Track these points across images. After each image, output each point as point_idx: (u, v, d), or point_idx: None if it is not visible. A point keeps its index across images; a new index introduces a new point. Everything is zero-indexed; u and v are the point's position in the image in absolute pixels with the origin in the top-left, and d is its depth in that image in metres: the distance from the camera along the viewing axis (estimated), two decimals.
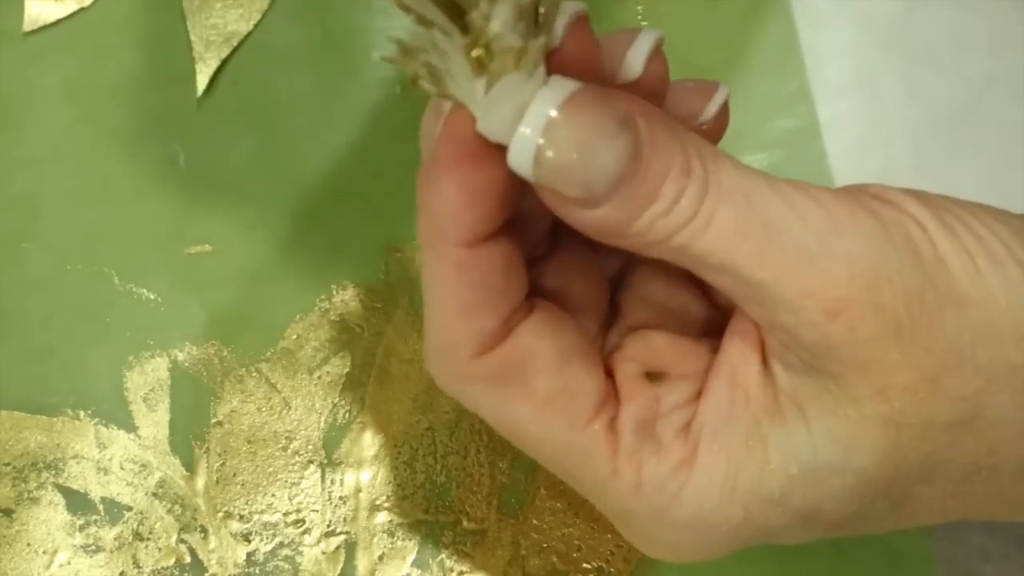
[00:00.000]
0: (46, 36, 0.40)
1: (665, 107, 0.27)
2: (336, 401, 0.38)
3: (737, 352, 0.26)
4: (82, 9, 0.40)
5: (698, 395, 0.27)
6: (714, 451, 0.26)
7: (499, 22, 0.23)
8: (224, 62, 0.40)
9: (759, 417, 0.26)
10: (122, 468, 0.37)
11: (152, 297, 0.39)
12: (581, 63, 0.25)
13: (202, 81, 0.40)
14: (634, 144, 0.23)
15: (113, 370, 0.38)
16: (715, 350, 0.27)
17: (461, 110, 0.24)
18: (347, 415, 0.38)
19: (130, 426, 0.38)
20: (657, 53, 0.27)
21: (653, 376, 0.27)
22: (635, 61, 0.26)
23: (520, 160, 0.23)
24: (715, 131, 0.28)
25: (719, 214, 0.23)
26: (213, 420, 0.38)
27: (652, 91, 0.27)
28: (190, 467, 0.37)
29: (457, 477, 0.37)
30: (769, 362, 0.26)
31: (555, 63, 0.24)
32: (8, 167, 0.39)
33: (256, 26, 0.41)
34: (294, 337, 0.39)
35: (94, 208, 0.39)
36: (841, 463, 0.25)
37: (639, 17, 0.41)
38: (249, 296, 0.39)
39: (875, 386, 0.24)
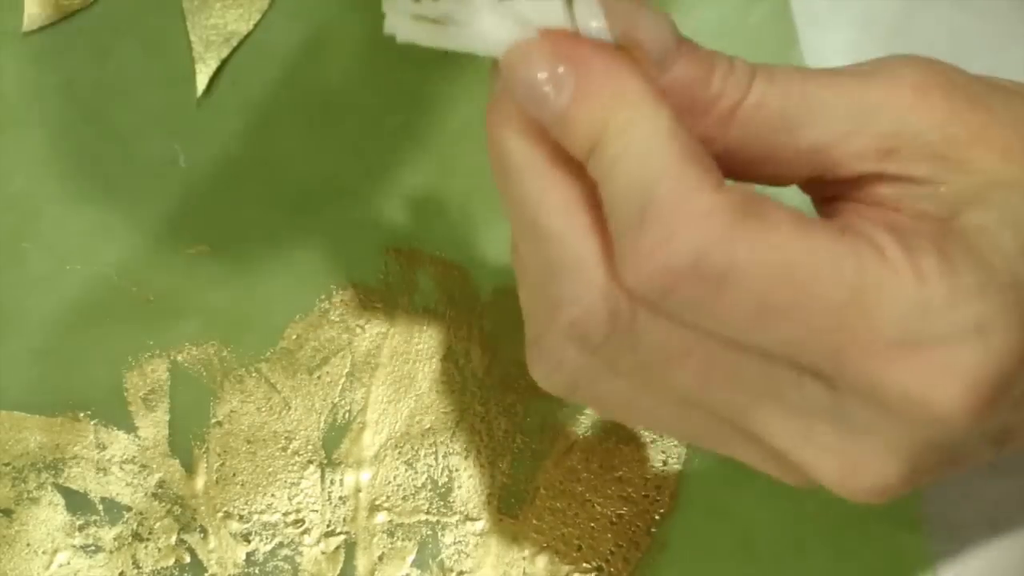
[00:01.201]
0: (46, 36, 0.40)
1: None
2: (336, 401, 0.38)
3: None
4: (82, 9, 0.40)
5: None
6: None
7: None
8: (224, 62, 0.40)
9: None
10: (122, 468, 0.37)
11: (151, 297, 0.39)
12: None
13: (202, 81, 0.40)
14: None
15: (112, 370, 0.38)
16: None
17: None
18: (347, 415, 0.38)
19: (130, 426, 0.37)
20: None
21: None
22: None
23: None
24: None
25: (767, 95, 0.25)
26: (213, 420, 0.38)
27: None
28: (190, 467, 0.37)
29: (457, 477, 0.37)
30: None
31: None
32: (8, 167, 0.39)
33: (256, 26, 0.41)
34: (294, 337, 0.38)
35: (94, 208, 0.39)
36: None
37: None
38: (248, 296, 0.39)
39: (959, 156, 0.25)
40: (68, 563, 0.37)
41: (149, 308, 0.39)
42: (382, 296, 0.39)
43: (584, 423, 0.37)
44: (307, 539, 0.37)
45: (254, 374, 0.38)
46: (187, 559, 0.37)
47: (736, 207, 0.23)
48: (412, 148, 0.40)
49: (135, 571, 0.37)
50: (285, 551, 0.37)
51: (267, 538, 0.37)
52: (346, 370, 0.38)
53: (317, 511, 0.37)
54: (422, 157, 0.40)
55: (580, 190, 0.25)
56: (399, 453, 0.37)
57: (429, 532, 0.37)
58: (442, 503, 0.37)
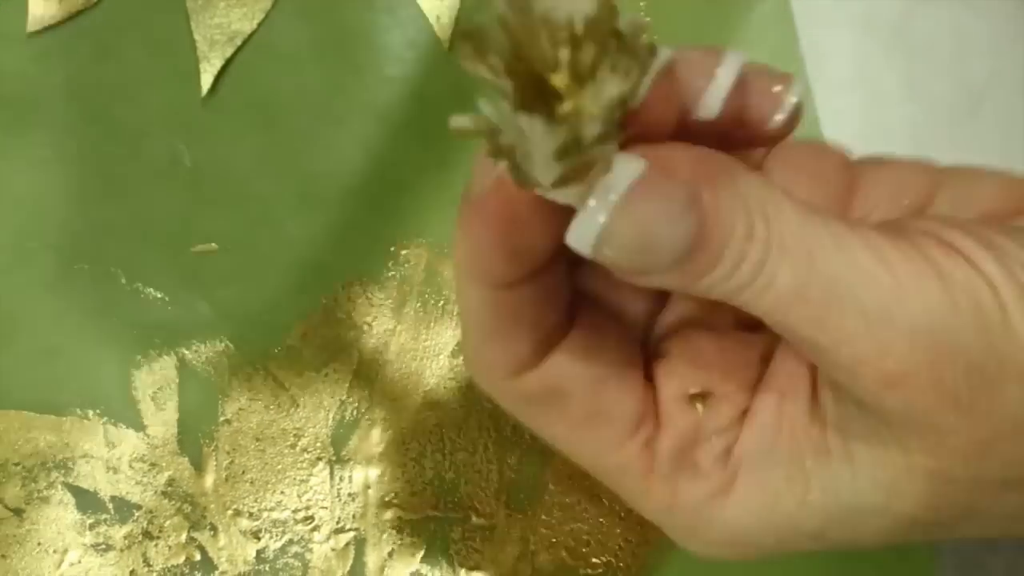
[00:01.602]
0: (50, 36, 0.40)
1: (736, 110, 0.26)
2: (344, 398, 0.38)
3: (786, 377, 0.26)
4: (85, 9, 0.40)
5: (741, 416, 0.26)
6: (753, 482, 0.25)
7: (596, 125, 0.21)
8: (228, 61, 0.40)
9: (803, 452, 0.25)
10: (131, 467, 0.37)
11: (159, 296, 0.39)
12: (660, 117, 0.24)
13: (206, 80, 0.40)
14: (699, 223, 0.22)
15: (121, 369, 0.38)
16: (766, 352, 0.27)
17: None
18: (355, 412, 0.38)
19: (139, 425, 0.38)
20: (738, 86, 0.25)
21: (696, 397, 0.27)
22: (713, 102, 0.25)
23: (578, 243, 0.22)
24: (784, 132, 0.26)
25: (780, 277, 0.22)
26: (221, 418, 0.38)
27: (729, 119, 0.25)
28: (199, 465, 0.37)
29: (466, 473, 0.37)
30: (820, 393, 0.25)
31: (633, 118, 0.23)
32: (13, 168, 0.39)
33: (260, 25, 0.41)
34: (300, 335, 0.39)
35: (100, 208, 0.39)
36: (883, 507, 0.24)
37: (641, 12, 0.41)
38: (255, 294, 0.39)
39: (926, 444, 0.23)
40: (79, 561, 0.37)
41: (157, 307, 0.39)
42: (389, 293, 0.39)
43: None
44: (317, 536, 0.37)
45: (262, 372, 0.38)
46: (197, 557, 0.37)
47: None
48: (418, 145, 0.40)
49: (146, 569, 0.37)
50: (295, 548, 0.37)
51: (277, 535, 0.37)
52: (353, 367, 0.38)
53: (327, 508, 0.37)
54: (428, 154, 0.40)
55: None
56: (407, 450, 0.38)
57: (438, 528, 0.37)
58: (451, 499, 0.37)
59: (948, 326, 0.22)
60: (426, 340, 0.39)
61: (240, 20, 0.41)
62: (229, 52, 0.40)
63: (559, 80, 0.21)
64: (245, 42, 0.41)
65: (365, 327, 0.39)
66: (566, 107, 0.21)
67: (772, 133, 0.26)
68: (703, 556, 0.27)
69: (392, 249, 0.39)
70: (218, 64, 0.40)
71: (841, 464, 0.25)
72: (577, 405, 0.26)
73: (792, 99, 0.25)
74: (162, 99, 0.40)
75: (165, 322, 0.39)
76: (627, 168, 0.22)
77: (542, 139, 0.21)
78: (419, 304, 0.39)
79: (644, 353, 0.28)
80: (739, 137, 0.25)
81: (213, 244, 0.39)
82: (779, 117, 0.25)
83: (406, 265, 0.39)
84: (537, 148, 0.21)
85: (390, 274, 0.39)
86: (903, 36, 0.39)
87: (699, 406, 0.27)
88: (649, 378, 0.27)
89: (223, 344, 0.38)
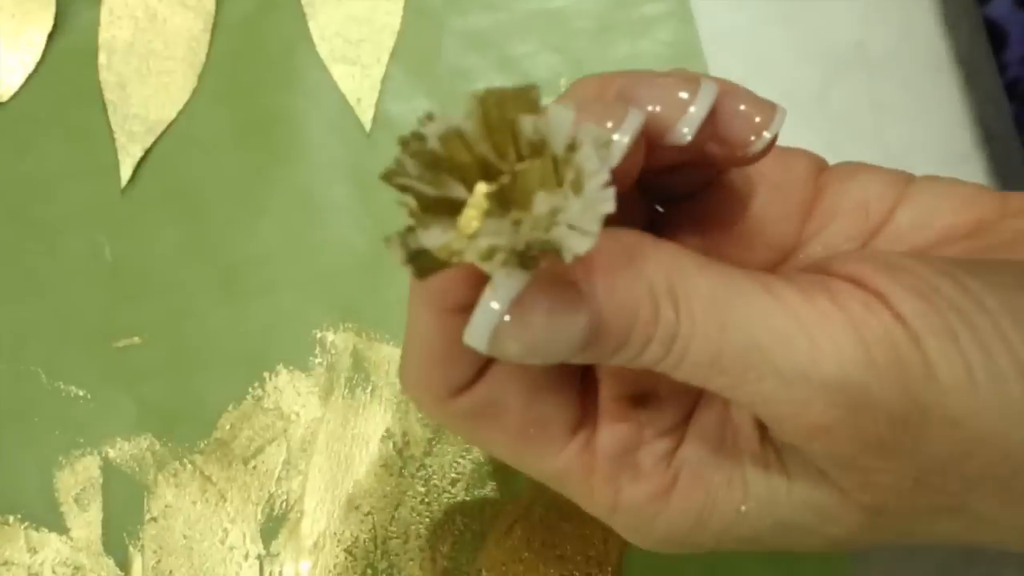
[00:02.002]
0: None
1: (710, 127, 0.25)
2: (273, 491, 0.37)
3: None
4: (0, 104, 0.40)
5: (685, 419, 0.27)
6: (693, 486, 0.26)
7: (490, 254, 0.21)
8: (148, 151, 0.40)
9: (744, 460, 0.25)
10: (54, 572, 0.36)
11: (81, 394, 0.38)
12: (623, 172, 0.24)
13: (126, 172, 0.40)
14: (593, 317, 0.22)
15: (42, 471, 0.37)
16: None
17: None
18: (284, 505, 0.37)
19: (62, 528, 0.37)
20: (710, 118, 0.25)
21: (638, 399, 0.27)
22: (685, 129, 0.24)
23: (474, 344, 0.22)
24: (757, 157, 0.26)
25: (692, 352, 0.23)
26: (147, 516, 0.37)
27: (699, 142, 0.25)
28: (125, 567, 0.37)
29: (398, 563, 0.37)
30: None
31: None
32: None
33: (179, 113, 0.40)
34: (228, 427, 0.38)
35: (19, 305, 0.39)
36: (815, 527, 0.25)
37: None
38: (181, 387, 0.38)
39: (856, 482, 0.24)
40: None
41: (79, 405, 0.38)
42: (316, 380, 0.39)
43: (525, 500, 0.37)
44: None
45: (188, 467, 0.38)
46: None
47: None
48: (344, 227, 0.40)
49: None
50: None
51: None
52: (282, 458, 0.38)
53: None
54: (354, 236, 0.40)
55: None
56: (338, 541, 0.37)
57: None
58: None
59: (865, 382, 0.22)
60: (355, 427, 0.38)
61: (159, 109, 0.40)
62: (149, 142, 0.40)
63: (464, 217, 0.21)
64: (165, 131, 0.40)
65: (294, 416, 0.38)
66: (463, 228, 0.21)
67: (747, 157, 0.26)
68: (646, 549, 0.27)
69: (318, 335, 0.39)
70: (137, 154, 0.40)
71: (779, 481, 0.25)
72: (514, 416, 0.26)
73: (771, 133, 0.25)
74: (81, 193, 0.40)
75: (88, 420, 0.38)
76: (512, 280, 0.22)
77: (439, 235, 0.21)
78: (347, 391, 0.38)
79: None
80: (713, 153, 0.26)
81: (136, 338, 0.39)
82: (756, 145, 0.25)
83: (333, 351, 0.39)
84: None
85: (317, 361, 0.39)
86: (824, 106, 0.39)
87: (641, 409, 0.27)
88: (591, 380, 0.27)
89: (148, 440, 0.38)
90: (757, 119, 0.25)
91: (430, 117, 0.21)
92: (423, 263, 0.21)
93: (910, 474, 0.23)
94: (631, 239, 0.23)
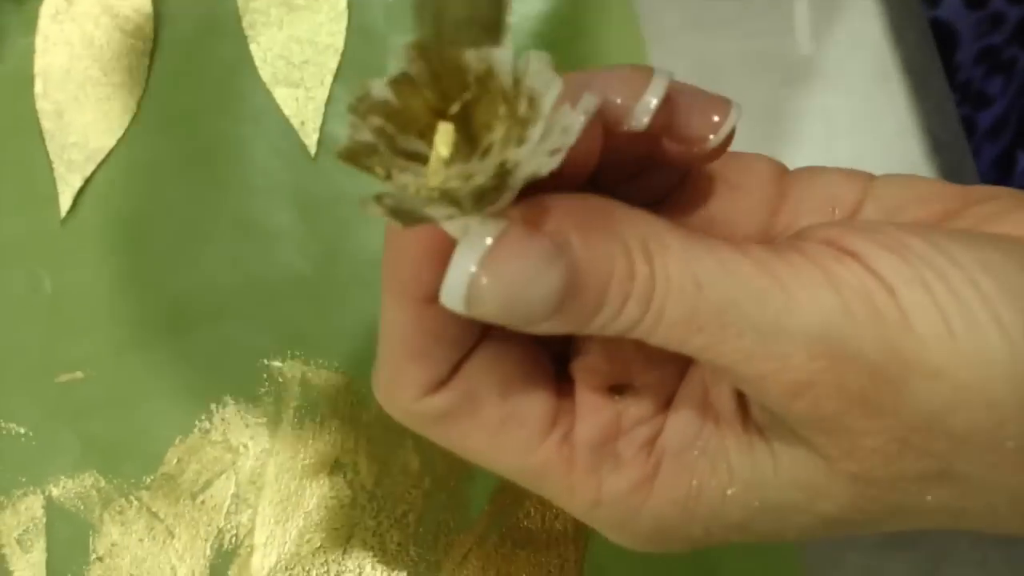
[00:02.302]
0: None
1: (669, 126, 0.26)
2: (222, 526, 0.37)
3: (711, 370, 0.25)
4: None
5: (664, 406, 0.26)
6: (676, 472, 0.25)
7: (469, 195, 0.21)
8: (88, 180, 0.39)
9: (727, 442, 0.25)
10: None
11: (22, 431, 0.37)
12: (583, 149, 0.24)
13: (65, 202, 0.39)
14: (569, 270, 0.22)
15: None
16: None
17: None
18: (234, 539, 0.37)
19: (4, 571, 0.36)
20: (666, 101, 0.25)
21: (616, 389, 0.27)
22: (642, 114, 0.24)
23: (451, 304, 0.22)
24: (715, 154, 0.26)
25: (668, 310, 0.22)
26: (93, 556, 0.36)
27: (656, 130, 0.25)
28: None
29: None
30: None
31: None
32: None
33: (120, 140, 0.40)
34: (175, 461, 0.37)
35: None
36: (805, 505, 0.24)
37: None
38: (125, 422, 0.38)
39: (842, 448, 0.23)
40: None
41: (20, 443, 0.37)
42: (265, 411, 0.38)
43: (479, 528, 0.36)
44: None
45: (135, 503, 0.37)
46: None
47: None
48: (290, 253, 0.39)
49: None
50: None
51: None
52: (231, 491, 0.37)
53: None
54: (301, 262, 0.39)
55: None
56: (290, 575, 0.36)
57: None
58: None
59: (844, 332, 0.22)
60: (304, 459, 0.37)
61: (99, 137, 0.39)
62: (88, 171, 0.39)
63: (433, 156, 0.21)
64: (105, 159, 0.40)
65: (241, 448, 0.37)
66: (431, 179, 0.21)
67: (706, 153, 0.26)
68: (636, 550, 0.27)
69: (266, 364, 0.38)
70: (77, 184, 0.39)
71: (764, 460, 0.24)
72: (489, 412, 0.26)
73: (727, 128, 0.25)
74: (19, 225, 0.39)
75: (30, 459, 0.37)
76: (486, 229, 0.21)
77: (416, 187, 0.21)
78: (295, 421, 0.38)
79: (560, 349, 0.27)
80: (672, 152, 0.26)
81: (79, 372, 0.38)
82: (713, 140, 0.25)
83: (280, 380, 0.38)
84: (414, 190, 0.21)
85: (264, 391, 0.38)
86: (775, 117, 0.39)
87: (618, 397, 0.26)
88: (566, 374, 0.27)
89: (92, 477, 0.37)
90: (713, 115, 0.25)
91: (371, 81, 0.21)
92: (405, 215, 0.21)
93: (895, 434, 0.23)
94: (602, 201, 0.23)
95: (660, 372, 0.27)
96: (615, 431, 0.26)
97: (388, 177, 0.21)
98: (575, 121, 0.21)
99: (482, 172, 0.20)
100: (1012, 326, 0.22)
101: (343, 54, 0.41)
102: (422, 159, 0.21)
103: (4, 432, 0.37)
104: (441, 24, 0.21)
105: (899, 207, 0.27)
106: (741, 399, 0.25)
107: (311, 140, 0.40)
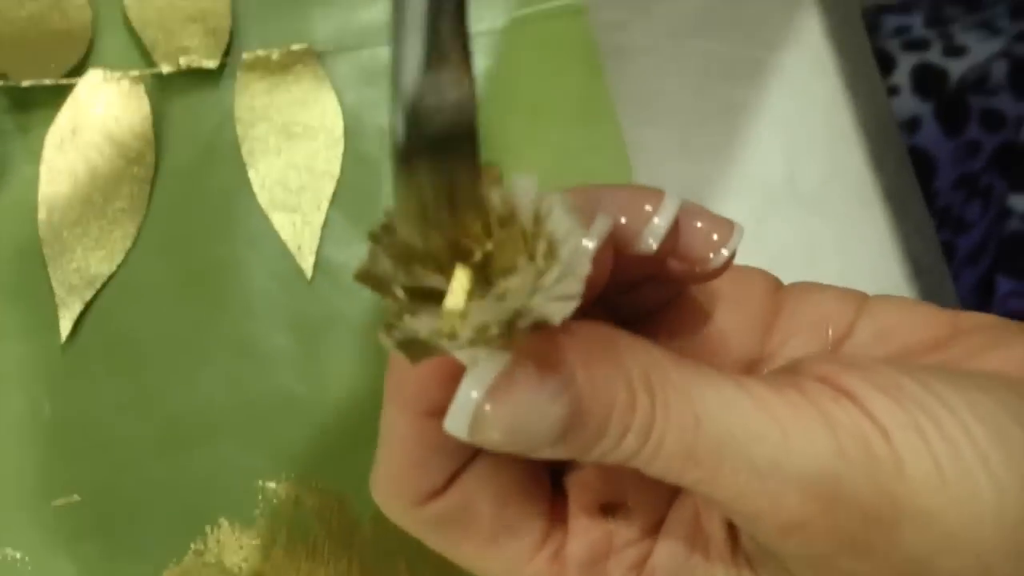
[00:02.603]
0: None
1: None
2: None
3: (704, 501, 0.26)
4: None
5: (656, 528, 0.26)
6: None
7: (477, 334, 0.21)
8: (88, 305, 0.40)
9: (715, 570, 0.25)
10: None
11: (19, 556, 0.38)
12: (592, 279, 0.24)
13: (65, 327, 0.40)
14: (572, 402, 0.22)
15: None
16: None
17: None
18: None
19: None
20: (672, 231, 0.25)
21: (608, 508, 0.27)
22: (651, 238, 0.25)
23: (455, 431, 0.22)
24: (716, 273, 0.26)
25: (668, 443, 0.23)
26: None
27: (662, 253, 0.25)
28: None
29: None
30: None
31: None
32: None
33: (120, 266, 0.41)
34: None
35: None
36: None
37: None
38: (121, 545, 0.38)
39: None
40: None
41: (16, 568, 0.37)
42: (258, 532, 0.38)
43: None
44: None
45: None
46: None
47: None
48: (285, 376, 0.40)
49: None
50: None
51: None
52: None
53: None
54: (296, 385, 0.40)
55: None
56: None
57: None
58: None
59: (838, 474, 0.22)
60: None
61: (99, 263, 0.40)
62: (89, 296, 0.40)
63: (447, 301, 0.21)
64: (105, 284, 0.40)
65: (236, 570, 0.38)
66: (444, 326, 0.21)
67: (707, 272, 0.26)
68: None
69: (260, 485, 0.39)
70: (77, 309, 0.40)
71: None
72: (484, 524, 0.26)
73: (729, 249, 0.26)
74: (20, 350, 0.40)
75: None
76: (493, 362, 0.22)
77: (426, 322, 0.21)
78: (289, 542, 0.38)
79: (555, 464, 0.28)
80: (673, 269, 0.26)
81: (75, 496, 0.38)
82: (714, 260, 0.26)
83: (275, 501, 0.38)
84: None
85: (258, 512, 0.38)
86: (757, 241, 0.39)
87: (611, 517, 0.26)
88: (560, 487, 0.27)
89: None
90: (715, 236, 0.26)
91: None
92: (415, 350, 0.21)
93: (884, 575, 0.23)
94: (607, 331, 0.24)
95: (653, 493, 0.27)
96: (606, 550, 0.27)
97: (400, 316, 0.21)
98: (586, 265, 0.21)
99: (495, 321, 0.21)
100: (1001, 475, 0.23)
101: (339, 180, 0.42)
102: (436, 295, 0.21)
103: (1, 557, 0.37)
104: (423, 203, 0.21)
105: (891, 330, 0.27)
106: (731, 528, 0.25)
107: (307, 264, 0.41)
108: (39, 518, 0.38)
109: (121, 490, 0.38)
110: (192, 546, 0.38)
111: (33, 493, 0.38)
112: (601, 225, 0.24)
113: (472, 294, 0.21)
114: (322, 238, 0.41)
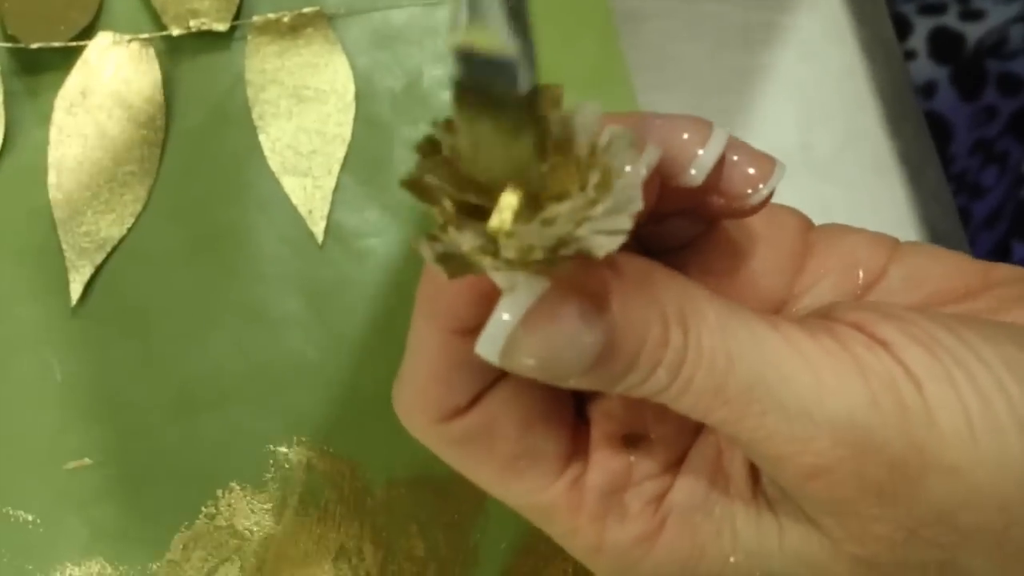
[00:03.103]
0: None
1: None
2: None
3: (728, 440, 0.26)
4: None
5: (676, 463, 0.26)
6: (681, 532, 0.25)
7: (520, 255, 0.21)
8: (99, 268, 0.40)
9: (735, 509, 0.25)
10: None
11: (30, 518, 0.38)
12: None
13: (76, 290, 0.39)
14: (606, 334, 0.22)
15: None
16: None
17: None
18: None
19: None
20: (717, 165, 0.25)
21: (630, 440, 0.27)
22: (698, 171, 0.25)
23: (486, 355, 0.22)
24: (754, 210, 0.26)
25: (697, 380, 0.23)
26: None
27: (708, 187, 0.25)
28: None
29: None
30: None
31: None
32: None
33: (130, 230, 0.40)
34: (181, 548, 0.38)
35: None
36: None
37: None
38: (132, 508, 0.38)
39: (850, 531, 0.23)
40: None
41: (27, 530, 0.37)
42: (270, 496, 0.38)
43: None
44: None
45: None
46: None
47: None
48: (297, 340, 0.40)
49: None
50: None
51: None
52: None
53: None
54: (307, 349, 0.39)
55: None
56: None
57: None
58: None
59: (869, 422, 0.22)
60: (307, 544, 0.37)
61: (110, 226, 0.40)
62: (99, 259, 0.40)
63: (493, 220, 0.20)
64: (115, 248, 0.40)
65: (247, 534, 0.38)
66: (489, 244, 0.20)
67: (745, 209, 0.26)
68: None
69: (272, 450, 0.39)
70: (88, 272, 0.40)
71: (770, 532, 0.25)
72: (505, 446, 0.26)
73: (768, 187, 0.25)
74: (31, 312, 0.39)
75: (37, 546, 0.37)
76: (531, 287, 0.22)
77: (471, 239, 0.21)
78: (300, 507, 0.38)
79: (579, 393, 0.27)
80: (711, 203, 0.26)
81: (87, 459, 0.38)
82: (754, 197, 0.25)
83: (286, 466, 0.38)
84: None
85: (270, 476, 0.38)
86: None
87: (632, 449, 0.26)
88: (584, 415, 0.27)
89: (99, 564, 0.37)
90: (756, 172, 0.25)
91: (447, 126, 0.21)
92: (454, 265, 0.21)
93: (905, 524, 0.23)
94: (644, 264, 0.24)
95: (676, 428, 0.27)
96: (625, 482, 0.26)
97: (443, 228, 0.21)
98: (638, 202, 0.21)
99: (541, 246, 0.20)
100: None
101: (350, 144, 0.41)
102: (481, 212, 0.21)
103: (12, 519, 0.37)
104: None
105: (922, 278, 0.27)
106: (753, 469, 0.25)
107: (318, 228, 0.41)
108: (50, 481, 0.38)
109: (132, 454, 0.38)
110: (203, 509, 0.38)
111: (44, 456, 0.38)
112: (651, 155, 0.23)
113: (520, 216, 0.20)
114: (333, 202, 0.41)
